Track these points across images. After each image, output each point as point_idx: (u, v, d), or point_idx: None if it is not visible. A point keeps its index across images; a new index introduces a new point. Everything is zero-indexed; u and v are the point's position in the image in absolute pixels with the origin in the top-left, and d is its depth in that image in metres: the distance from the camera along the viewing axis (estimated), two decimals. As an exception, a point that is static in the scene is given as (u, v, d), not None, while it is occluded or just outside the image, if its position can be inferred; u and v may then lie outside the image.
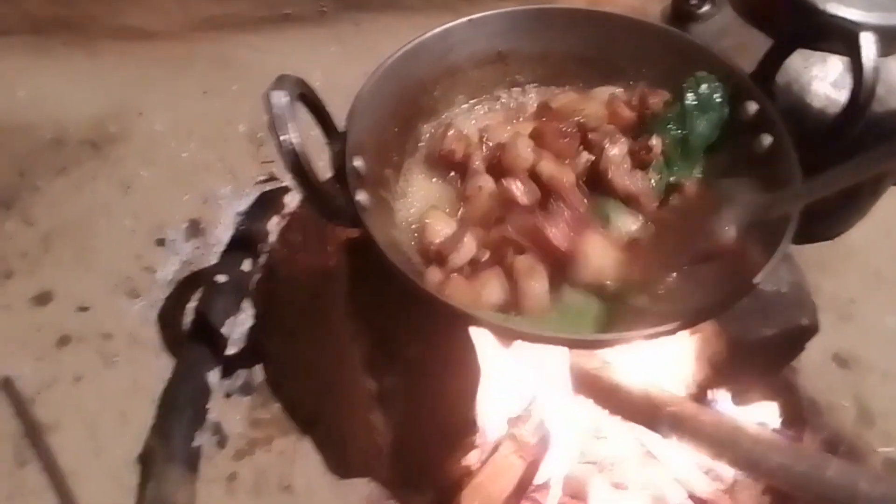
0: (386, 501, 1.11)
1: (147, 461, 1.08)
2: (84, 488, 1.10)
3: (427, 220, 0.87)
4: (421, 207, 0.93)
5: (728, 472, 1.11)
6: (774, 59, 0.95)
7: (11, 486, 1.11)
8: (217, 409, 1.18)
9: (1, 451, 1.15)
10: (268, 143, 1.58)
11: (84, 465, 1.13)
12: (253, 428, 1.18)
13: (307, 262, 1.31)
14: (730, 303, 0.77)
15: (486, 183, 0.90)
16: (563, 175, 0.89)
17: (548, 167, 0.89)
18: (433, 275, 0.81)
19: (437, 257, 0.84)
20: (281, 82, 0.75)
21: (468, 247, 0.83)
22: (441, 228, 0.86)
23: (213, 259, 1.37)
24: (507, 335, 0.80)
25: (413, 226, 0.91)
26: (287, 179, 1.50)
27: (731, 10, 1.12)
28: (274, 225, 1.37)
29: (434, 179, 0.97)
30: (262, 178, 1.52)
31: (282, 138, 0.72)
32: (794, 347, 1.05)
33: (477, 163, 0.93)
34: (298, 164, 0.73)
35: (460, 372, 0.94)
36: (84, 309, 1.31)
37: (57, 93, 1.67)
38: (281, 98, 0.73)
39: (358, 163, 0.87)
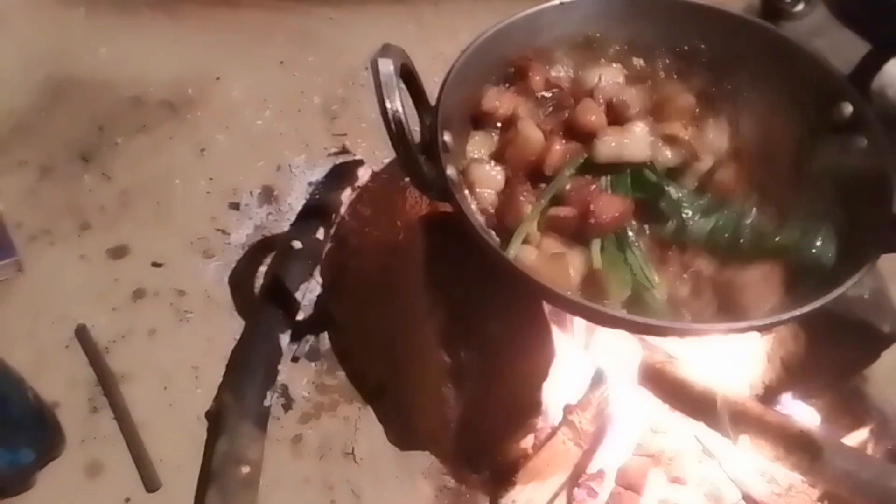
0: (443, 476, 1.13)
1: (219, 417, 1.10)
2: (155, 438, 1.14)
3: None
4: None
5: (785, 475, 1.10)
6: (872, 64, 0.94)
7: (84, 430, 1.15)
8: (285, 372, 1.20)
9: (75, 397, 1.19)
10: (341, 116, 1.60)
11: (155, 416, 1.16)
12: (319, 393, 1.20)
13: (378, 234, 1.32)
14: (815, 305, 0.77)
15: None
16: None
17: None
18: (525, 253, 0.82)
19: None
20: (387, 50, 0.76)
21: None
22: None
23: (285, 226, 1.39)
24: (588, 316, 0.80)
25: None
26: (359, 153, 1.52)
27: (825, 10, 1.09)
28: (346, 197, 1.39)
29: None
30: (335, 150, 1.53)
31: (388, 105, 0.73)
32: (869, 354, 1.04)
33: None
34: (402, 133, 0.74)
35: (535, 352, 0.95)
36: (159, 265, 1.34)
37: (138, 53, 1.71)
38: (388, 66, 0.74)
39: (447, 137, 0.88)
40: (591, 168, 0.89)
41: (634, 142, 0.89)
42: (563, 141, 0.91)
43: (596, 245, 0.83)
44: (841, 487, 0.95)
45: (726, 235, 0.86)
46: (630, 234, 0.85)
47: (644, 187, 0.89)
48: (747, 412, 0.96)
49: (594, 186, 0.87)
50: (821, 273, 0.81)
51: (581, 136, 0.92)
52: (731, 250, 0.85)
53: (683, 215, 0.86)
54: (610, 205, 0.84)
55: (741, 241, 0.85)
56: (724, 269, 0.84)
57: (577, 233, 0.84)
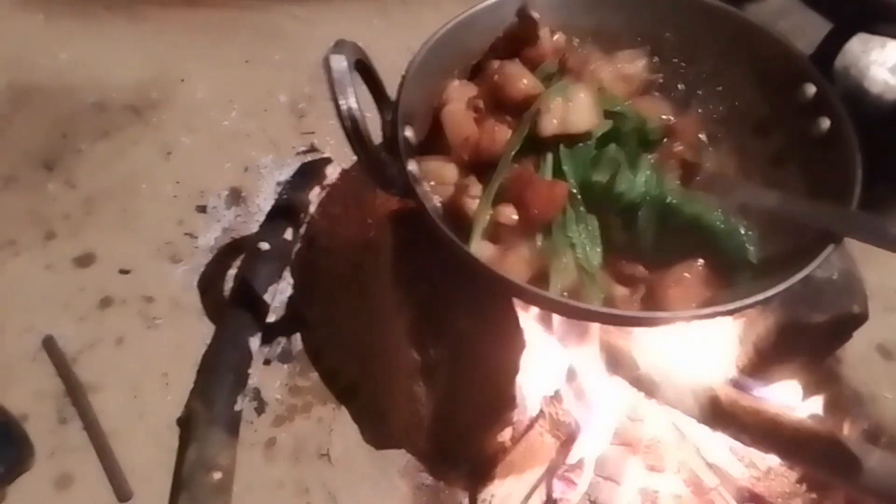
0: (420, 473, 1.12)
1: (189, 424, 1.09)
2: (125, 448, 1.12)
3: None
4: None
5: (763, 458, 1.10)
6: (834, 43, 0.94)
7: (53, 442, 1.13)
8: (256, 375, 1.19)
9: (43, 409, 1.16)
10: (309, 113, 1.58)
11: (125, 426, 1.14)
12: (292, 395, 1.19)
13: (348, 233, 1.31)
14: (783, 287, 0.77)
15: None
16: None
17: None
18: (482, 248, 0.81)
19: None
20: (340, 47, 0.75)
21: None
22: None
23: (253, 227, 1.37)
24: (554, 309, 0.80)
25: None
26: (328, 150, 1.50)
27: (788, -8, 1.10)
28: (315, 195, 1.37)
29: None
30: (303, 148, 1.52)
31: (341, 103, 0.72)
32: (841, 336, 1.04)
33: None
34: (357, 130, 0.73)
35: (505, 347, 0.94)
36: (126, 272, 1.32)
37: (99, 57, 1.68)
38: (341, 62, 0.73)
39: (409, 133, 0.87)
40: (538, 146, 0.86)
41: (578, 111, 0.85)
42: (500, 120, 0.89)
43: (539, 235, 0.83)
44: (818, 470, 0.96)
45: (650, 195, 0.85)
46: (573, 213, 0.83)
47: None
48: (723, 397, 0.96)
49: (527, 174, 0.84)
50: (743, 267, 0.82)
51: (518, 108, 0.89)
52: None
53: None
54: (547, 192, 0.82)
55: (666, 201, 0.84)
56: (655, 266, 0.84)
57: (527, 227, 0.83)
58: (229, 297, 1.26)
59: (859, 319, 0.99)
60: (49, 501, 1.08)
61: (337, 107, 0.73)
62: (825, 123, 0.88)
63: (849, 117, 0.87)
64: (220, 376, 1.12)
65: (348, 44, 0.77)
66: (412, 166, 0.84)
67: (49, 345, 1.22)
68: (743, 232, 0.83)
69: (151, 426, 1.14)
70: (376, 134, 0.80)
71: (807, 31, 0.99)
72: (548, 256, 0.81)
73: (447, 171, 0.88)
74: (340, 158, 1.45)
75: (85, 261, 1.34)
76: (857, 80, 1.01)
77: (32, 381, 1.19)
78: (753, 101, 0.97)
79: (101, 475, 1.10)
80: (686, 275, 0.81)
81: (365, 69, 0.83)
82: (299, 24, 1.74)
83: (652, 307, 0.81)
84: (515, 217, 0.82)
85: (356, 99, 0.73)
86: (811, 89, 0.91)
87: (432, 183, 0.87)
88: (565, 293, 0.80)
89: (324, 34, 1.52)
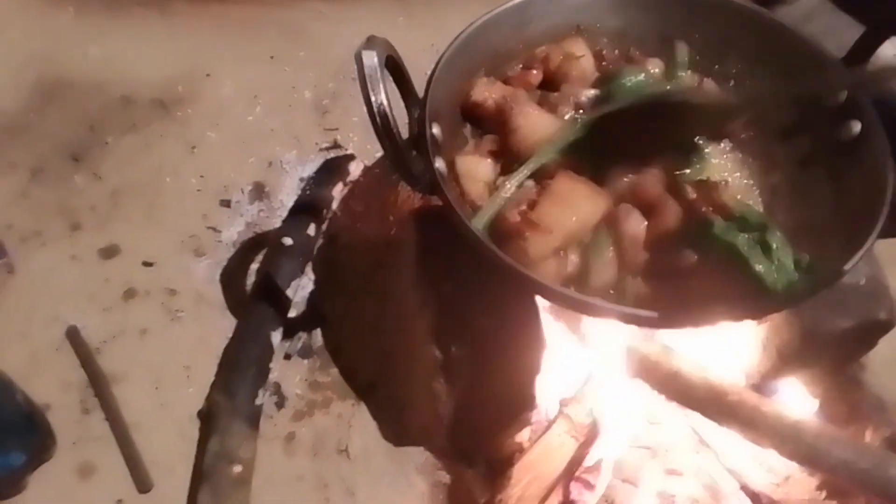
0: (438, 471, 1.12)
1: (210, 416, 1.09)
2: (147, 439, 1.13)
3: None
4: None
5: (782, 465, 1.09)
6: (867, 46, 0.93)
7: (76, 432, 1.15)
8: (277, 370, 1.20)
9: (67, 399, 1.18)
10: (332, 110, 1.59)
11: (147, 417, 1.16)
12: (312, 390, 1.19)
13: (370, 230, 1.31)
14: (811, 293, 0.76)
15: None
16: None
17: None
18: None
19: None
20: (371, 43, 0.75)
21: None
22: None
23: (276, 222, 1.38)
24: (580, 309, 0.79)
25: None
26: (351, 147, 1.50)
27: (819, -6, 1.09)
28: (338, 192, 1.38)
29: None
30: (326, 145, 1.52)
31: (373, 98, 0.72)
32: (867, 342, 1.03)
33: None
34: (388, 126, 0.74)
35: (526, 346, 0.94)
36: (150, 264, 1.34)
37: (128, 52, 1.69)
38: (372, 58, 0.73)
39: (436, 130, 0.87)
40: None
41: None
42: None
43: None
44: (838, 476, 0.95)
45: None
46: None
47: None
48: (744, 402, 0.96)
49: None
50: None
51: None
52: None
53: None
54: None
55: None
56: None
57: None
58: (252, 292, 1.27)
59: (886, 326, 0.98)
60: (70, 490, 1.09)
61: (368, 102, 0.73)
62: (856, 127, 0.87)
63: (880, 121, 0.86)
64: (241, 370, 1.13)
65: (379, 40, 0.77)
66: (439, 163, 0.84)
67: (73, 335, 1.24)
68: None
69: (173, 418, 1.15)
70: (403, 131, 0.81)
71: (838, 34, 0.98)
72: (590, 253, 0.81)
73: (482, 167, 0.88)
74: (363, 155, 1.46)
75: (110, 252, 1.36)
76: (889, 84, 0.99)
77: (56, 372, 1.20)
78: (783, 103, 0.96)
79: (123, 465, 1.11)
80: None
81: (394, 66, 0.84)
82: (324, 22, 1.75)
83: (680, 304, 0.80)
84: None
85: (387, 95, 0.73)
86: (843, 93, 0.90)
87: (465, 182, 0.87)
88: (611, 290, 0.81)
89: (349, 32, 1.51)
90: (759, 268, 0.77)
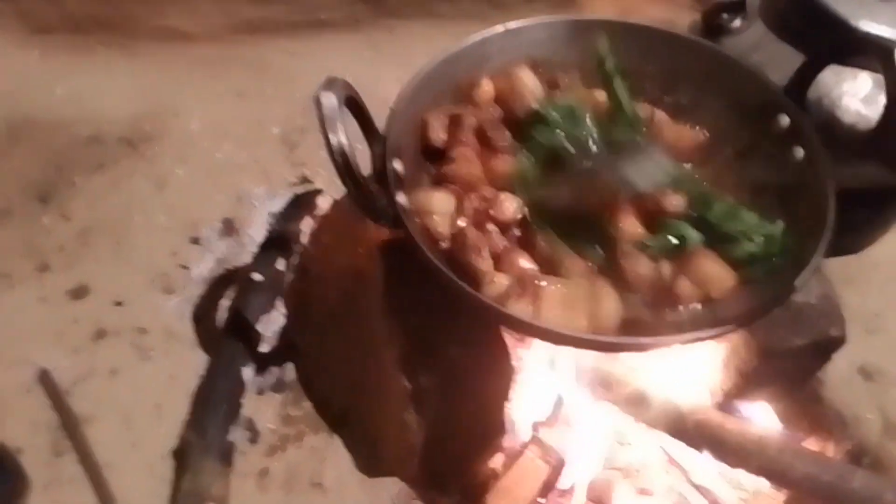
0: (413, 501, 1.13)
1: (182, 454, 1.10)
2: (120, 480, 1.12)
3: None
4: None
5: (751, 480, 1.11)
6: (807, 75, 0.97)
7: (48, 476, 1.13)
8: (250, 405, 1.20)
9: (38, 442, 1.17)
10: (300, 145, 1.61)
11: (120, 457, 1.15)
12: (285, 424, 1.20)
13: (339, 263, 1.32)
14: (764, 311, 0.79)
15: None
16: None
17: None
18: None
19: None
20: (330, 85, 0.78)
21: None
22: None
23: (246, 258, 1.39)
24: (543, 337, 0.81)
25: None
26: (319, 181, 1.52)
27: (762, 25, 1.13)
28: (306, 226, 1.39)
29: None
30: (295, 180, 1.54)
31: (332, 139, 0.74)
32: (821, 358, 1.06)
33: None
34: (347, 165, 0.76)
35: (495, 373, 0.95)
36: (120, 304, 1.34)
37: (94, 91, 1.70)
38: (331, 100, 0.75)
39: (397, 165, 0.89)
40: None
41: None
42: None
43: None
44: (803, 491, 0.97)
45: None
46: None
47: None
48: (709, 420, 0.98)
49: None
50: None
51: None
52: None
53: None
54: None
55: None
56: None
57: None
58: (223, 328, 1.27)
59: (837, 342, 1.01)
60: (44, 534, 1.08)
61: (328, 143, 0.75)
62: (799, 153, 0.91)
63: (822, 147, 0.90)
64: (213, 407, 1.13)
65: (338, 81, 0.80)
66: (401, 198, 0.86)
67: (44, 378, 1.23)
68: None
69: (145, 457, 1.15)
70: (366, 166, 0.83)
71: (781, 64, 1.02)
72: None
73: (442, 201, 0.90)
74: (331, 189, 1.47)
75: (79, 293, 1.36)
76: (829, 110, 1.03)
77: (27, 414, 1.20)
78: (732, 131, 1.00)
79: (96, 508, 1.10)
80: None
81: (355, 104, 0.86)
82: (291, 58, 1.77)
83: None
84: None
85: (346, 135, 0.76)
86: (785, 120, 0.94)
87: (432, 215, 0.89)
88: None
89: (315, 67, 1.56)
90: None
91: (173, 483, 1.11)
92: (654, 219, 0.89)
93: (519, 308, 0.79)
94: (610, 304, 0.82)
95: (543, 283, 0.81)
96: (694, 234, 0.86)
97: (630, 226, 0.87)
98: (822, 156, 0.89)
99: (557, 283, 0.82)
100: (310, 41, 1.79)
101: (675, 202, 0.89)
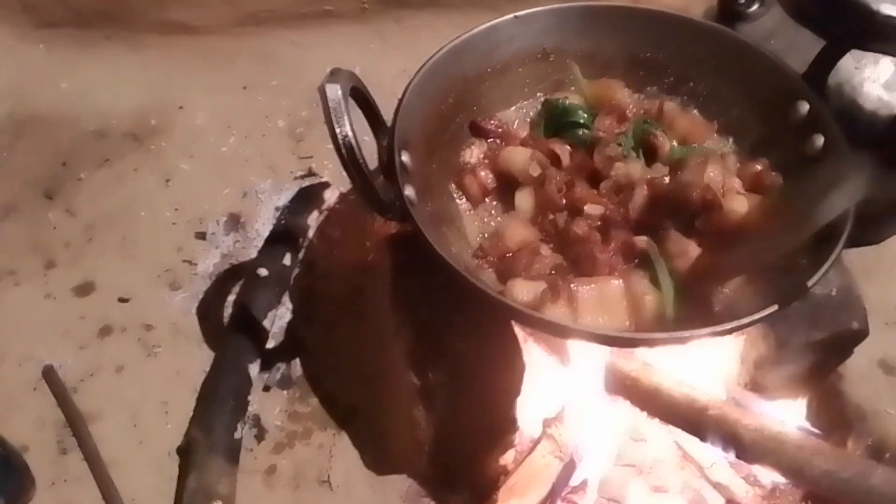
0: (422, 499, 1.11)
1: (188, 452, 1.08)
2: (125, 477, 1.12)
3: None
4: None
5: (767, 477, 1.10)
6: (827, 61, 0.94)
7: (54, 473, 1.13)
8: (256, 401, 1.19)
9: (43, 439, 1.16)
10: (306, 138, 1.59)
11: (126, 454, 1.14)
12: (292, 421, 1.18)
13: (346, 257, 1.31)
14: (784, 304, 0.77)
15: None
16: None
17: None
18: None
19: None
20: (335, 76, 0.76)
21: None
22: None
23: (252, 253, 1.37)
24: (554, 332, 0.79)
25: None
26: (325, 175, 1.50)
27: (780, 11, 1.10)
28: (313, 220, 1.37)
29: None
30: (301, 173, 1.52)
31: (338, 131, 0.73)
32: (841, 352, 1.04)
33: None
34: (354, 157, 0.74)
35: (505, 368, 0.94)
36: (125, 300, 1.32)
37: (100, 85, 1.69)
38: (336, 91, 0.73)
39: (405, 158, 0.87)
40: None
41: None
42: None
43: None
44: (821, 488, 0.95)
45: None
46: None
47: None
48: (726, 416, 0.96)
49: None
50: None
51: None
52: None
53: None
54: None
55: None
56: None
57: None
58: (229, 324, 1.26)
59: (859, 336, 0.99)
60: (50, 532, 1.07)
61: (333, 135, 0.73)
62: (819, 141, 0.89)
63: (843, 134, 0.87)
64: (219, 403, 1.12)
65: (343, 72, 0.78)
66: (409, 191, 0.84)
67: (49, 375, 1.22)
68: None
69: (151, 455, 1.14)
70: (372, 158, 0.81)
71: (800, 50, 0.99)
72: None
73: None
74: (338, 182, 1.46)
75: (85, 289, 1.35)
76: (850, 96, 1.01)
77: (33, 412, 1.19)
78: (749, 119, 0.98)
79: (102, 505, 1.09)
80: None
81: (360, 96, 0.84)
82: (296, 50, 1.75)
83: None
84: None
85: (351, 126, 0.74)
86: (805, 107, 0.92)
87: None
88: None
89: (320, 59, 1.54)
90: None
91: (179, 481, 1.09)
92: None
93: (557, 313, 0.79)
94: (650, 300, 0.82)
95: (575, 287, 0.81)
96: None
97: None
98: (842, 142, 0.87)
99: (591, 284, 0.81)
100: (316, 32, 1.76)
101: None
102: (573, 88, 1.04)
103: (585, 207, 0.88)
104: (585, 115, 1.00)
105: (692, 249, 0.84)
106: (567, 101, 1.01)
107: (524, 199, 0.93)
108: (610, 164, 0.92)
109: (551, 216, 0.89)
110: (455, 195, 0.97)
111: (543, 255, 0.85)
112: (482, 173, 0.96)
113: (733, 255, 0.85)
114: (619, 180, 0.91)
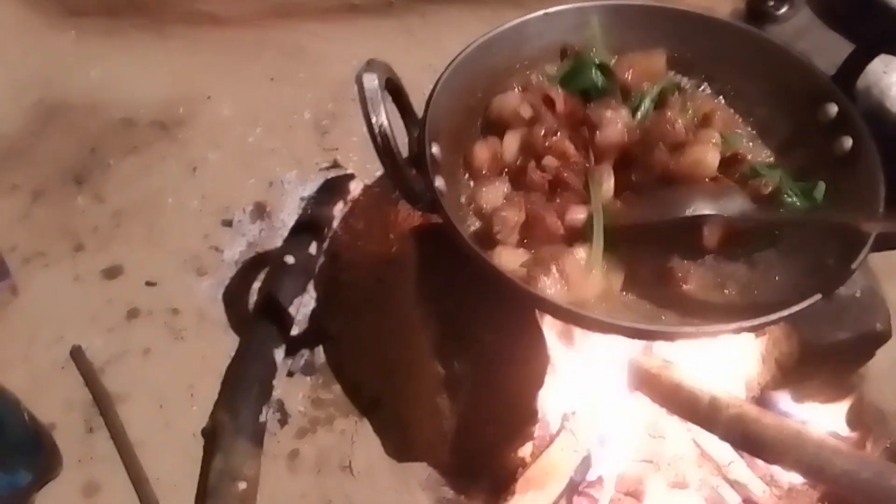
0: (441, 487, 1.12)
1: (214, 434, 1.10)
2: (151, 458, 1.13)
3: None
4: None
5: (784, 477, 1.10)
6: (856, 63, 0.94)
7: (81, 451, 1.15)
8: (280, 387, 1.20)
9: (71, 418, 1.18)
10: (332, 130, 1.60)
11: (151, 436, 1.16)
12: (315, 407, 1.20)
13: (370, 247, 1.33)
14: (827, 292, 0.77)
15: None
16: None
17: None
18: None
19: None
20: (372, 66, 0.77)
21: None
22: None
23: (277, 242, 1.39)
24: (580, 323, 0.80)
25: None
26: (350, 167, 1.52)
27: (808, 13, 1.10)
28: (338, 211, 1.39)
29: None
30: (326, 164, 1.54)
31: (374, 119, 0.74)
32: (864, 353, 1.04)
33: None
34: (388, 146, 0.75)
35: (528, 361, 0.95)
36: (152, 284, 1.35)
37: (128, 74, 1.71)
38: (373, 81, 0.74)
39: (435, 149, 0.89)
40: None
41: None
42: None
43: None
44: (840, 487, 0.95)
45: None
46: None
47: None
48: (746, 414, 0.96)
49: None
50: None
51: None
52: None
53: None
54: None
55: None
56: None
57: None
58: (254, 310, 1.28)
59: (882, 337, 0.99)
60: (76, 509, 1.09)
61: (369, 123, 0.74)
62: (847, 142, 0.89)
63: (871, 136, 0.87)
64: (244, 388, 1.14)
65: (379, 63, 0.79)
66: (438, 182, 0.85)
67: (77, 355, 1.24)
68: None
69: (177, 437, 1.16)
70: (403, 150, 0.82)
71: (828, 52, 0.99)
72: None
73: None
74: (363, 174, 1.47)
75: (112, 273, 1.37)
76: (878, 99, 1.01)
77: (61, 392, 1.21)
78: (776, 119, 0.98)
79: (128, 484, 1.11)
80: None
81: (394, 87, 0.85)
82: (323, 43, 1.76)
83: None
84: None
85: (387, 116, 0.75)
86: (833, 109, 0.92)
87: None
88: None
89: (347, 53, 1.55)
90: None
91: (204, 462, 1.11)
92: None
93: (547, 284, 0.79)
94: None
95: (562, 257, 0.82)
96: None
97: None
98: (871, 145, 0.87)
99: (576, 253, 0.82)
100: (342, 26, 1.78)
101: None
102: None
103: (544, 160, 0.89)
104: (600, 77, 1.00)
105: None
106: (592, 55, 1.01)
107: (511, 141, 0.94)
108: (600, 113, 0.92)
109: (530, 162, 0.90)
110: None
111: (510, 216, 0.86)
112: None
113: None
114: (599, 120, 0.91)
